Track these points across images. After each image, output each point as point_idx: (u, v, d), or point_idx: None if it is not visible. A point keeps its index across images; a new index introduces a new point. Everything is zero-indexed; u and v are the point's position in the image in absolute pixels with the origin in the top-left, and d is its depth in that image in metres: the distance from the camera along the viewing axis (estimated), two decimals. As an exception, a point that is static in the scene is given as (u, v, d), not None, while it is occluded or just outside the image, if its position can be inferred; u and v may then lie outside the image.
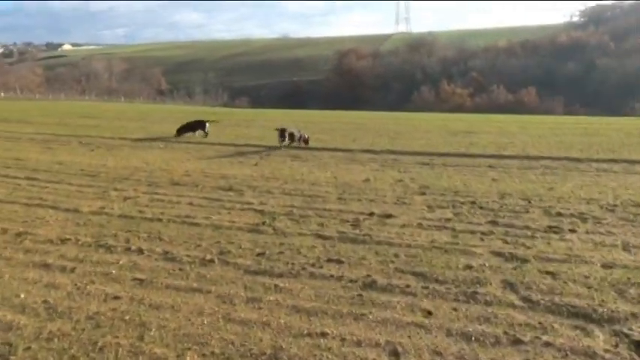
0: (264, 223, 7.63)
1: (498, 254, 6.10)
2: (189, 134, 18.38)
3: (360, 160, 13.24)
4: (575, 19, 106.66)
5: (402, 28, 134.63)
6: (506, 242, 6.65)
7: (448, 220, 7.74)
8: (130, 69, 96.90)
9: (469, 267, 5.69)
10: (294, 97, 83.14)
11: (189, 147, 15.86)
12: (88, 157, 13.95)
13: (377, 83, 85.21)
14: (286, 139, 15.66)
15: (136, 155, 14.30)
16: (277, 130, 16.01)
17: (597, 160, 12.54)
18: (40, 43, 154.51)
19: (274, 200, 9.05)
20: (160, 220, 7.86)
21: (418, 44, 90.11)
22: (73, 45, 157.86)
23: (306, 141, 16.01)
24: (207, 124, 18.59)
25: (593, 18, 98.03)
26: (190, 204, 8.84)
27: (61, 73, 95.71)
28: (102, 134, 19.11)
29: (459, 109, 64.66)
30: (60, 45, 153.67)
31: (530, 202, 8.74)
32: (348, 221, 7.73)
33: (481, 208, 8.40)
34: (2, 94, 57.78)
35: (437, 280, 5.34)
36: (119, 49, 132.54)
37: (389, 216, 7.96)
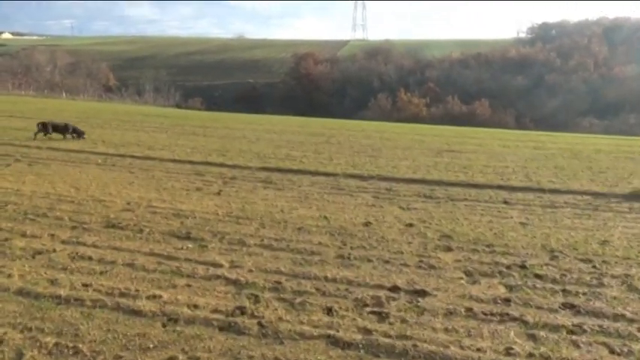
0: (242, 311, 4.94)
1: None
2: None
3: (349, 190, 10.68)
4: (522, 35, 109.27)
5: (358, 34, 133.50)
6: (613, 352, 4.36)
7: (506, 301, 5.35)
8: (76, 63, 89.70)
9: None
10: (250, 98, 79.75)
11: (134, 164, 12.75)
12: (-2, 177, 10.63)
13: (334, 89, 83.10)
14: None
15: (64, 175, 11.09)
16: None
17: (628, 198, 10.61)
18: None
19: (252, 260, 6.34)
20: (80, 303, 4.99)
21: (375, 52, 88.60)
22: (14, 34, 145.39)
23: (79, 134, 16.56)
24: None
25: (540, 35, 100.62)
26: (130, 266, 5.98)
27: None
28: (27, 142, 15.53)
29: (415, 118, 63.58)
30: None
31: (594, 265, 6.50)
32: (366, 304, 5.19)
33: (538, 277, 6.06)
34: None
35: None
36: (65, 41, 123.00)
37: (421, 293, 5.47)
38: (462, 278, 5.97)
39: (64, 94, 58.28)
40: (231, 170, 12.30)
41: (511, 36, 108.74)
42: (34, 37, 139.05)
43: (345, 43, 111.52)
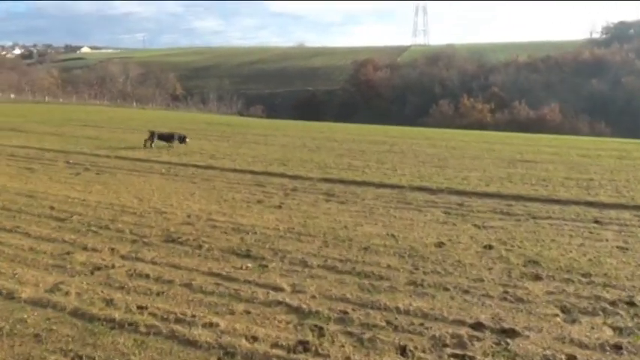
0: (305, 347, 4.41)
1: None
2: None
3: (416, 204, 9.93)
4: (596, 35, 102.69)
5: (419, 40, 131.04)
6: None
7: (616, 348, 4.47)
8: (146, 73, 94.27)
9: None
10: (309, 106, 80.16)
11: (196, 173, 12.67)
12: (67, 186, 10.79)
13: (394, 95, 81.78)
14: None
15: (129, 184, 11.15)
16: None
17: None
18: (59, 45, 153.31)
19: (315, 284, 5.81)
20: (134, 329, 4.66)
21: (437, 57, 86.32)
22: (92, 48, 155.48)
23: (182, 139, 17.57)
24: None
25: (616, 35, 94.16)
26: (188, 287, 5.63)
27: (77, 75, 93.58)
28: (97, 151, 15.98)
29: (479, 124, 61.18)
30: (79, 47, 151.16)
31: None
32: (445, 344, 4.50)
33: (652, 318, 5.10)
34: (13, 95, 55.41)
35: None
36: (136, 54, 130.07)
37: (510, 333, 4.70)
38: (557, 315, 5.11)
39: (134, 104, 61.15)
40: (292, 181, 11.89)
41: (583, 37, 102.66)
42: (110, 51, 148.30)
43: (405, 48, 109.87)
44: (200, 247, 7.06)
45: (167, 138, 17.60)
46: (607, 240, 7.73)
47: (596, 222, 8.77)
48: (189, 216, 8.63)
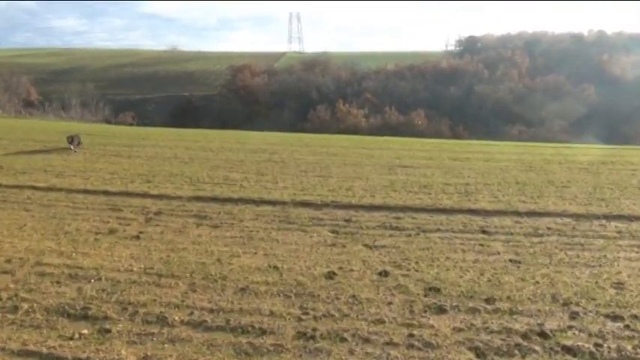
0: None
1: None
2: None
3: (301, 222, 8.78)
4: (451, 47, 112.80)
5: (295, 47, 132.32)
6: None
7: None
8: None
9: None
10: (185, 112, 76.17)
11: (33, 198, 10.14)
12: None
13: (272, 101, 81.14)
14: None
15: None
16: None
17: (609, 218, 9.43)
18: None
19: (175, 352, 4.32)
20: None
21: (312, 63, 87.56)
22: None
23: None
24: None
25: (468, 47, 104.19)
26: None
27: None
28: None
29: (355, 129, 63.03)
30: None
31: (626, 324, 5.03)
32: None
33: (568, 350, 4.50)
34: None
35: None
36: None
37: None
38: (472, 361, 4.26)
39: (-27, 111, 52.24)
40: (157, 202, 10.02)
41: (440, 49, 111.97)
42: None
43: (281, 55, 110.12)
44: (16, 308, 5.12)
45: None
46: (499, 253, 7.29)
47: (484, 232, 8.40)
48: (8, 261, 6.47)
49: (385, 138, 32.21)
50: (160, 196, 10.45)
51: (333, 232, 8.27)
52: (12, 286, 5.68)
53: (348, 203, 10.18)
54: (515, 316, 5.16)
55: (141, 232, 7.95)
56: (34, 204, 9.60)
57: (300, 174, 14.06)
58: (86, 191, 10.74)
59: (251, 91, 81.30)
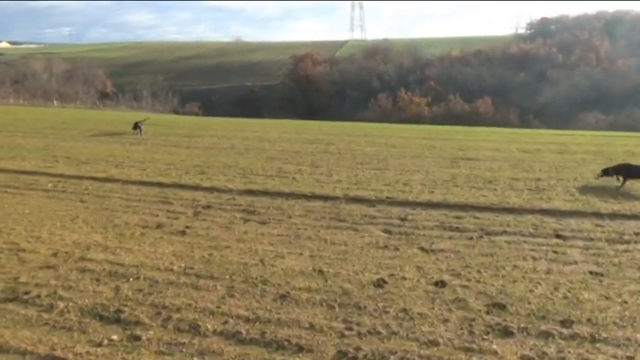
0: None
1: None
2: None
3: (352, 220, 8.20)
4: (521, 31, 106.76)
5: (357, 34, 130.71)
6: None
7: None
8: (72, 70, 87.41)
9: None
10: (247, 102, 77.52)
11: (90, 189, 10.29)
12: None
13: (333, 90, 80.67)
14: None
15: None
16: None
17: None
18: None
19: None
20: None
21: (374, 51, 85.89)
22: (12, 43, 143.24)
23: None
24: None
25: (540, 30, 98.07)
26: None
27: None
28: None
29: (417, 117, 61.31)
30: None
31: None
32: None
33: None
34: None
35: None
36: (62, 49, 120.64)
37: None
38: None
39: (54, 102, 55.90)
40: (208, 195, 9.83)
41: (509, 32, 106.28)
42: (33, 46, 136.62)
43: (343, 43, 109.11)
44: (52, 307, 4.98)
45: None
46: (576, 262, 6.34)
47: (558, 236, 7.41)
48: (55, 254, 6.44)
49: (448, 127, 30.71)
50: (211, 189, 10.26)
51: (386, 231, 7.63)
52: (53, 282, 5.58)
53: (405, 200, 9.46)
54: (597, 345, 4.33)
55: (187, 227, 7.73)
56: (90, 195, 9.71)
57: (355, 166, 13.45)
58: (141, 183, 10.77)
59: (312, 80, 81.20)
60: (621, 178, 10.82)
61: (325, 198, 9.61)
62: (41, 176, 11.25)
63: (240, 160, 14.12)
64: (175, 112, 65.78)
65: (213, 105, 75.12)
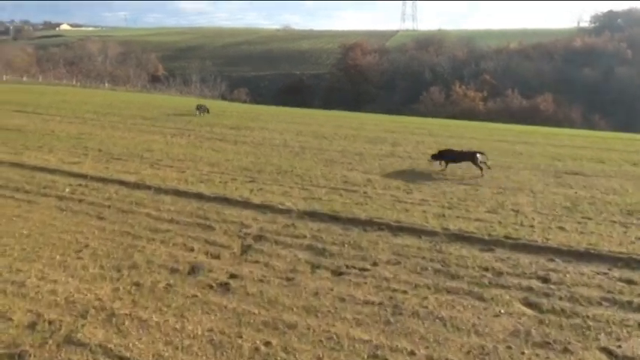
0: None
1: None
2: None
3: (469, 279, 5.49)
4: (584, 24, 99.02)
5: (407, 25, 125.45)
6: None
7: None
8: (126, 53, 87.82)
9: None
10: (295, 90, 75.23)
11: (114, 198, 8.02)
12: None
13: (382, 80, 77.04)
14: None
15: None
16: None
17: None
18: (38, 22, 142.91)
19: None
20: None
21: (427, 42, 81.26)
22: (72, 25, 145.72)
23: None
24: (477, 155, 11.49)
25: (606, 24, 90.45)
26: None
27: (53, 53, 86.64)
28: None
29: (471, 112, 57.15)
30: (58, 25, 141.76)
31: None
32: None
33: None
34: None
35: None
36: (118, 32, 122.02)
37: None
38: None
39: (105, 84, 55.36)
40: (259, 216, 7.33)
41: (570, 26, 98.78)
42: (90, 29, 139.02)
43: (393, 33, 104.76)
44: None
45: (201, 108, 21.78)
46: None
47: None
48: (32, 325, 4.11)
49: (520, 127, 27.15)
50: (263, 207, 7.76)
51: (527, 304, 4.89)
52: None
53: (532, 242, 6.62)
54: None
55: (232, 277, 5.26)
56: (111, 208, 7.42)
57: (437, 178, 10.67)
58: (177, 192, 8.40)
59: (361, 70, 77.78)
60: (444, 163, 11.63)
61: (417, 232, 6.91)
62: (61, 176, 9.10)
63: (296, 163, 11.59)
64: (223, 97, 64.36)
65: (260, 92, 73.38)
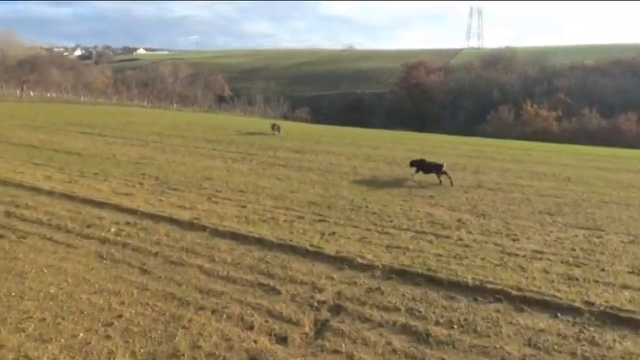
0: None
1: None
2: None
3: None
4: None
5: (473, 43, 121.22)
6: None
7: None
8: (195, 74, 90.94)
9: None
10: (356, 109, 73.89)
11: (163, 243, 6.78)
12: None
13: (447, 100, 73.87)
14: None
15: (17, 278, 5.47)
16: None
17: None
18: (117, 47, 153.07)
19: None
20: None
21: (494, 59, 77.09)
22: (148, 50, 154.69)
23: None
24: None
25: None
26: None
27: (129, 76, 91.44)
28: (43, 183, 10.51)
29: (543, 133, 53.05)
30: (135, 49, 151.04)
31: None
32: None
33: None
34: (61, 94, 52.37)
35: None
36: (188, 55, 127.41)
37: None
38: None
39: (174, 105, 56.77)
40: (335, 273, 5.76)
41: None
42: (165, 52, 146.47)
43: (458, 51, 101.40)
44: None
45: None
46: None
47: None
48: None
49: (605, 150, 24.01)
50: (339, 261, 6.18)
51: None
52: None
53: None
54: None
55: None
56: (158, 258, 6.14)
57: (543, 220, 8.64)
58: (235, 236, 7.02)
59: (425, 89, 75.23)
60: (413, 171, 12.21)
61: (549, 307, 5.04)
62: (110, 211, 8.03)
63: (371, 197, 9.98)
64: (285, 117, 64.36)
65: (321, 111, 72.79)
